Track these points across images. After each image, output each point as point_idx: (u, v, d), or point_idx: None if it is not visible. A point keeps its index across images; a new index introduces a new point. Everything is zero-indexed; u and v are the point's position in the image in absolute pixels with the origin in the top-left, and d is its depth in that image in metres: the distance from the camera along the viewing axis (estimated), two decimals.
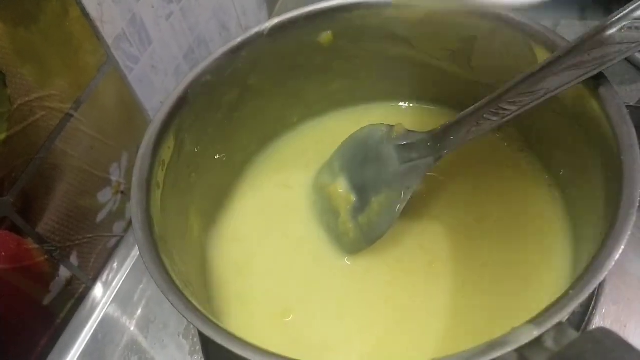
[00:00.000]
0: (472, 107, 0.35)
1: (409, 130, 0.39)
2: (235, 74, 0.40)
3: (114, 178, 0.49)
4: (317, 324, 0.37)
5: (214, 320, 0.28)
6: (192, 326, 0.40)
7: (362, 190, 0.40)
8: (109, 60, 0.47)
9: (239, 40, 0.39)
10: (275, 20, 0.40)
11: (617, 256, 0.26)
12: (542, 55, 0.36)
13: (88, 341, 0.45)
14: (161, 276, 0.29)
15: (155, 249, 0.30)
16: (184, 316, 0.28)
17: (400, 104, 0.48)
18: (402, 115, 0.47)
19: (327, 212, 0.42)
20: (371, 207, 0.39)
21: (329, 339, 0.36)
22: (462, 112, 0.36)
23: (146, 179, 0.33)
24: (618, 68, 0.66)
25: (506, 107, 0.33)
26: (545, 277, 0.36)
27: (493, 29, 0.38)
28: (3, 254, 0.39)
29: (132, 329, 0.44)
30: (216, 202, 0.43)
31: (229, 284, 0.39)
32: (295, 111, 0.46)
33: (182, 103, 0.36)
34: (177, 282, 0.29)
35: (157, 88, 0.54)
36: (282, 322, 0.37)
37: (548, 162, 0.41)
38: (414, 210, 0.40)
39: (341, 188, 0.40)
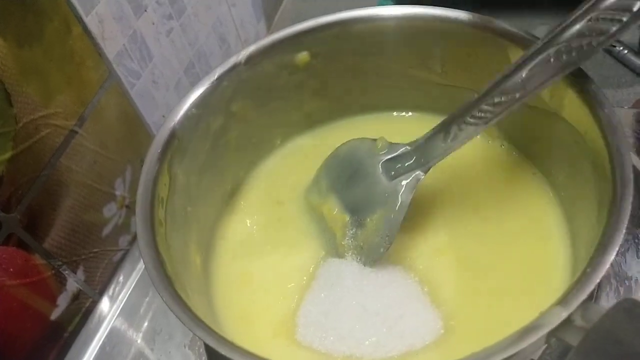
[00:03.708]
0: (451, 114, 0.35)
1: (391, 143, 0.39)
2: (218, 103, 0.41)
3: (118, 192, 0.50)
4: (322, 335, 0.37)
5: (218, 332, 0.28)
6: (197, 337, 0.41)
7: (356, 210, 0.40)
8: (110, 76, 0.48)
9: (218, 72, 0.40)
10: (251, 48, 0.41)
11: (624, 231, 0.26)
12: (514, 53, 0.37)
13: (96, 354, 0.45)
14: (172, 298, 0.29)
15: (171, 285, 0.31)
16: (191, 330, 0.28)
17: (378, 114, 0.48)
18: (383, 125, 0.48)
19: (324, 231, 0.42)
20: (367, 227, 0.39)
21: (335, 349, 0.36)
22: (442, 120, 0.36)
23: (149, 218, 0.33)
24: (615, 72, 0.67)
25: (488, 109, 0.33)
26: (546, 276, 0.37)
27: (463, 33, 0.39)
28: (11, 269, 0.40)
29: (139, 341, 0.45)
30: (212, 229, 0.44)
31: (232, 304, 0.40)
32: (277, 132, 0.47)
33: (171, 138, 0.37)
34: (188, 303, 0.30)
35: (158, 103, 0.55)
36: (288, 337, 0.37)
37: (543, 165, 0.42)
38: (415, 208, 0.40)
39: (334, 209, 0.40)
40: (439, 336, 0.35)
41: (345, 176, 0.41)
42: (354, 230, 0.39)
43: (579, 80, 0.33)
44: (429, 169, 0.37)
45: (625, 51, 0.66)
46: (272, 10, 0.79)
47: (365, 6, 0.42)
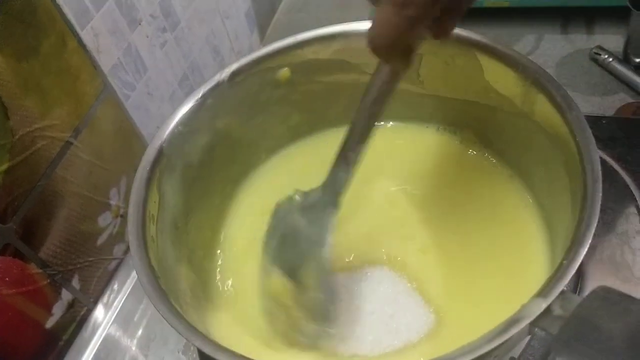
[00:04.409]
0: (343, 141, 0.35)
1: (305, 191, 0.38)
2: (204, 121, 0.42)
3: (113, 202, 0.51)
4: (324, 337, 0.38)
5: (211, 338, 0.29)
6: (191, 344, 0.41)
7: (294, 273, 0.38)
8: (105, 89, 0.49)
9: (202, 90, 0.41)
10: (234, 67, 0.42)
11: (596, 223, 0.28)
12: (486, 62, 0.38)
13: None
14: (168, 310, 0.30)
15: (167, 298, 0.31)
16: (188, 340, 0.29)
17: None
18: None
19: (279, 315, 0.39)
20: (305, 285, 0.37)
21: (338, 350, 0.37)
22: (338, 151, 0.36)
23: (142, 235, 0.34)
24: (601, 79, 0.68)
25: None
26: (526, 270, 0.38)
27: (438, 45, 0.40)
28: (7, 279, 0.40)
29: (133, 347, 0.46)
30: (202, 244, 0.44)
31: (227, 318, 0.40)
32: (263, 146, 0.48)
33: (159, 157, 0.38)
34: (178, 309, 0.30)
35: (153, 114, 0.56)
36: (290, 346, 0.38)
37: (519, 167, 0.43)
38: (399, 213, 0.42)
39: (278, 281, 0.38)
40: (432, 329, 0.37)
41: (279, 243, 0.39)
42: (300, 296, 0.37)
43: (548, 85, 0.35)
44: (337, 201, 0.36)
45: (610, 59, 0.67)
46: (265, 22, 0.81)
47: (357, 19, 0.43)
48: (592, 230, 0.28)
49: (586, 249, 0.27)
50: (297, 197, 0.38)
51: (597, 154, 0.31)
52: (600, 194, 0.29)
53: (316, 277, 0.37)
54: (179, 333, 0.30)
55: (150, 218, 0.36)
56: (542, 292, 0.26)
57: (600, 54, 0.69)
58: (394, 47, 0.26)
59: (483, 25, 0.72)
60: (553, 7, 0.75)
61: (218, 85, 0.41)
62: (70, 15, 0.44)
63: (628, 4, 0.63)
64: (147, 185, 0.37)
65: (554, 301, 0.26)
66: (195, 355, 0.43)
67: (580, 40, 0.72)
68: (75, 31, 0.45)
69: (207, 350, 0.28)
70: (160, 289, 0.32)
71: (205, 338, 0.29)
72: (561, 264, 0.27)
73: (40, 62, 0.42)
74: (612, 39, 0.71)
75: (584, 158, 0.31)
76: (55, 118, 0.43)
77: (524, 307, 0.26)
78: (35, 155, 0.42)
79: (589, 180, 0.30)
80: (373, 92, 0.32)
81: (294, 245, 0.38)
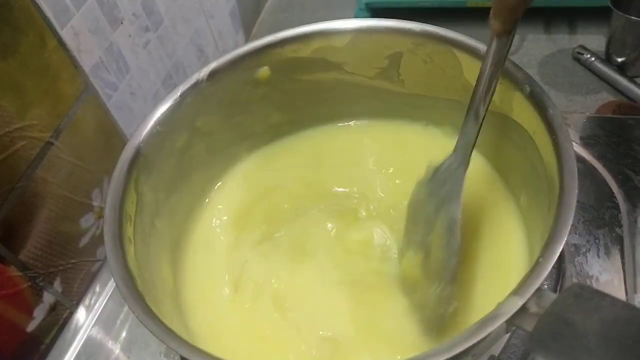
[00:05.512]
0: (474, 94, 0.35)
1: (435, 166, 0.38)
2: (183, 120, 0.41)
3: (95, 203, 0.50)
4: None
5: (193, 344, 0.29)
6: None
7: (423, 245, 0.37)
8: (87, 89, 0.49)
9: (180, 89, 0.40)
10: (212, 65, 0.41)
11: (571, 219, 0.28)
12: (465, 60, 0.39)
13: None
14: (144, 313, 0.30)
15: (143, 301, 0.31)
16: (164, 343, 0.29)
17: (340, 124, 0.49)
18: (346, 134, 0.49)
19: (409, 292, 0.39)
20: (433, 250, 0.36)
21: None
22: (470, 104, 0.36)
23: (118, 236, 0.34)
24: (584, 79, 0.69)
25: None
26: (505, 268, 0.38)
27: (417, 43, 0.40)
28: None
29: (115, 350, 0.45)
30: (182, 243, 0.43)
31: (206, 319, 0.39)
32: (243, 145, 0.48)
33: (137, 156, 0.38)
34: (160, 317, 0.30)
35: (136, 114, 0.56)
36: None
37: (498, 166, 0.43)
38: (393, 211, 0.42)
39: (410, 260, 0.38)
40: None
41: (410, 224, 0.39)
42: (427, 263, 0.37)
43: (525, 83, 0.35)
44: (469, 156, 0.36)
45: (593, 59, 0.68)
46: (250, 21, 0.81)
47: (342, 17, 0.43)
48: (568, 227, 0.28)
49: (562, 246, 0.27)
50: (428, 171, 0.38)
51: (573, 151, 0.31)
52: (576, 190, 0.29)
53: (445, 233, 0.36)
54: (153, 334, 0.29)
55: (128, 218, 0.35)
56: (518, 290, 0.27)
57: (582, 54, 0.69)
58: (515, 11, 0.32)
59: (466, 25, 0.72)
60: (536, 8, 0.75)
61: (197, 84, 0.41)
62: (49, 14, 0.43)
63: (609, 4, 0.64)
64: (125, 185, 0.36)
65: (530, 298, 0.26)
66: (178, 357, 0.42)
67: (563, 40, 0.73)
68: (55, 30, 0.44)
69: (183, 352, 0.28)
70: (137, 290, 0.31)
71: (181, 340, 0.29)
72: (537, 261, 0.27)
73: (18, 62, 0.41)
74: (594, 39, 0.72)
75: (561, 154, 0.31)
76: (35, 118, 0.43)
77: (500, 305, 0.26)
78: (15, 156, 0.41)
79: (566, 176, 0.30)
80: (489, 58, 0.34)
81: (425, 214, 0.38)
